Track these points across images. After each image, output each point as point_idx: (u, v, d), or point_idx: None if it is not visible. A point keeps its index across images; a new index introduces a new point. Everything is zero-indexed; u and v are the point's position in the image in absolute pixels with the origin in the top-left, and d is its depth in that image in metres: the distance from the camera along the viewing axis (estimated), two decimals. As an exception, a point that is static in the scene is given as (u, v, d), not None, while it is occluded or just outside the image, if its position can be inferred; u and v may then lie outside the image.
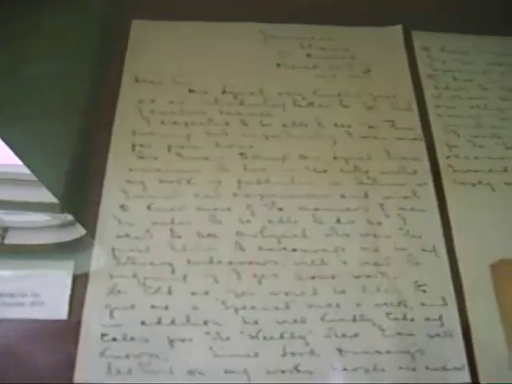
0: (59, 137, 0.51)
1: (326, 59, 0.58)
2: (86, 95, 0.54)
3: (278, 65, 0.57)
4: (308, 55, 0.58)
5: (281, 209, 0.50)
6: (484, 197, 0.52)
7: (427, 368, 0.45)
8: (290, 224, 0.49)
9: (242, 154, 0.52)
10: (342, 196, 0.51)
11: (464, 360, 0.45)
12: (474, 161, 0.54)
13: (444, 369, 0.45)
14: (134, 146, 0.52)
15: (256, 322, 0.45)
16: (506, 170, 0.54)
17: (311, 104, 0.55)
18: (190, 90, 0.55)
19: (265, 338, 0.45)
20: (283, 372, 0.44)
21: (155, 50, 0.57)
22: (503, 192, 0.53)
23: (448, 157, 0.54)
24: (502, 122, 0.57)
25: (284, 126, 0.54)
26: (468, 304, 0.47)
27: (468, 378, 0.45)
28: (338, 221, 0.49)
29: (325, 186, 0.51)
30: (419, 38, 0.61)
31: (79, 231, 0.48)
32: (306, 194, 0.50)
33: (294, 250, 0.48)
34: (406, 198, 0.51)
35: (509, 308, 0.47)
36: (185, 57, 0.57)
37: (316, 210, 0.50)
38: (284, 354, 0.44)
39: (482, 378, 0.45)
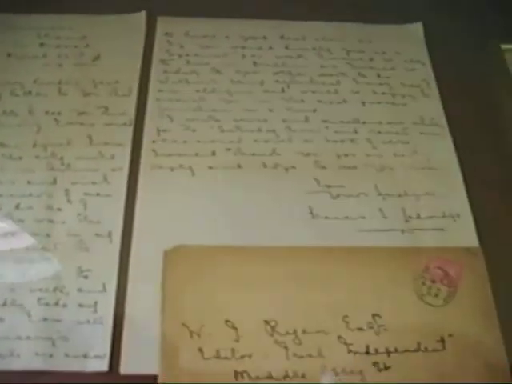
0: None
1: (59, 48, 0.58)
2: None
3: (9, 55, 0.58)
4: (41, 45, 0.58)
5: None
6: (181, 181, 0.50)
7: (67, 355, 0.43)
8: (-35, 212, 0.49)
9: None
10: (29, 182, 0.50)
11: (107, 348, 0.43)
12: (181, 145, 0.52)
13: (85, 356, 0.43)
14: None
15: None
16: (214, 154, 0.52)
17: (29, 93, 0.55)
18: None
19: None
20: None
21: None
22: (204, 176, 0.51)
23: (154, 141, 0.52)
24: (225, 105, 0.54)
25: (-7, 115, 0.54)
26: (129, 291, 0.45)
27: (106, 367, 0.43)
28: (17, 207, 0.49)
29: (14, 173, 0.50)
30: (163, 24, 0.60)
31: None
32: (-11, 182, 0.50)
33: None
34: (94, 183, 0.50)
35: (173, 296, 0.45)
36: None
37: (-2, 196, 0.50)
38: None
39: (122, 368, 0.43)
